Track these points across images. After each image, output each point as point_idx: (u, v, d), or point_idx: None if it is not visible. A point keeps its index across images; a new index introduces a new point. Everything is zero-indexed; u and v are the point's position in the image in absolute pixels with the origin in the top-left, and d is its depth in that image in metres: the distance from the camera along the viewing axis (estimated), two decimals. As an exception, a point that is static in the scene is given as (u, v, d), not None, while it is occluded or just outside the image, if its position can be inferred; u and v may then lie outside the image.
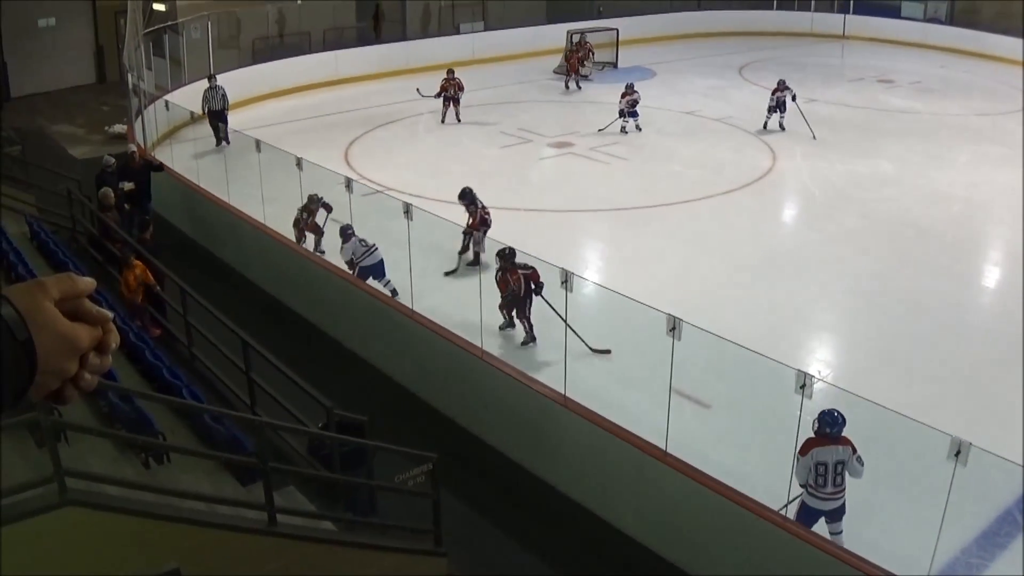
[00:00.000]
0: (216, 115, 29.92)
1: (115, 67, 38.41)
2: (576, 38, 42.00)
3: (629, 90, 31.63)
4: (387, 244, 19.15)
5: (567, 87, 39.73)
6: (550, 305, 16.29)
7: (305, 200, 21.02)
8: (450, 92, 32.98)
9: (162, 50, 33.65)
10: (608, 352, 16.93)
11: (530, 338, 17.37)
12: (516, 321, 17.53)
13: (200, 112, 29.81)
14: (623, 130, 31.60)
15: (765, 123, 32.28)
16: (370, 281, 19.09)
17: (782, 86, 31.87)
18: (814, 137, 31.04)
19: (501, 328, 17.70)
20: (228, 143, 29.09)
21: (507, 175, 27.78)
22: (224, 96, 30.05)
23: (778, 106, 31.95)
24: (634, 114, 31.67)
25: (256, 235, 21.99)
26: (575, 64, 39.84)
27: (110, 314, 2.33)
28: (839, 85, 40.31)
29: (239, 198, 23.20)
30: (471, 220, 20.69)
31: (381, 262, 19.36)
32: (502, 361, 16.01)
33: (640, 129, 31.63)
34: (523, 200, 25.42)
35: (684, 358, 13.24)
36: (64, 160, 29.75)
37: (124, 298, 17.38)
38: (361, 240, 19.24)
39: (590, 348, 16.71)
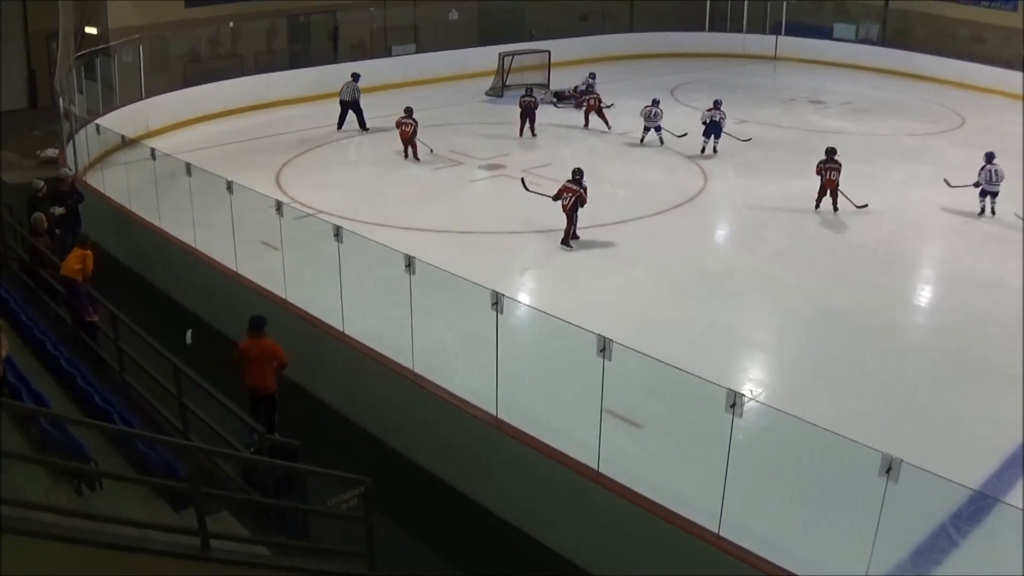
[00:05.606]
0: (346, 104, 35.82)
1: (47, 91, 38.07)
2: (508, 61, 42.21)
3: (716, 106, 33.32)
4: (318, 267, 19.16)
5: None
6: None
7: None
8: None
9: (94, 74, 33.39)
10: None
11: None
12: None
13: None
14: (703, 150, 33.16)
15: (703, 147, 32.86)
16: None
17: (717, 106, 32.85)
18: (748, 139, 33.73)
19: None
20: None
21: (439, 198, 27.86)
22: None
23: (711, 128, 32.73)
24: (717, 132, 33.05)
25: (188, 259, 21.96)
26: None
27: None
28: (771, 106, 40.76)
29: (170, 223, 23.15)
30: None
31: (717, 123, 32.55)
32: (434, 383, 16.08)
33: (716, 152, 33.00)
34: (455, 222, 25.53)
35: (616, 378, 13.36)
36: (-6, 185, 29.56)
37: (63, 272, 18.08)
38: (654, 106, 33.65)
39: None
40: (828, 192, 26.64)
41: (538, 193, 25.16)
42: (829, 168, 26.55)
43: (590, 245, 24.18)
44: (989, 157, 26.82)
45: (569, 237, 23.95)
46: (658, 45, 51.53)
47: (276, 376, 15.91)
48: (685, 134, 33.82)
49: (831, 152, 26.80)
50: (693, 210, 27.18)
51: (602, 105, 36.91)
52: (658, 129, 34.13)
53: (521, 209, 26.49)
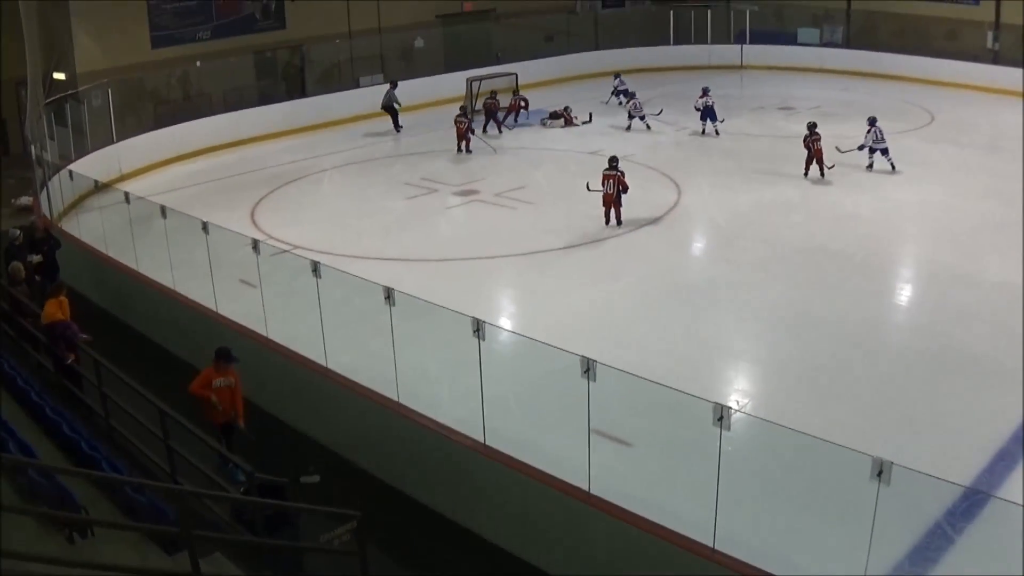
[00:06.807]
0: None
1: (19, 139, 37.94)
2: (476, 85, 42.37)
3: (704, 93, 38.27)
4: (298, 303, 19.13)
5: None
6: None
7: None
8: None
9: (64, 119, 33.32)
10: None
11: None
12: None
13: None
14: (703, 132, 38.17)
15: (703, 130, 37.97)
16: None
17: (705, 92, 38.09)
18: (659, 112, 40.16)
19: None
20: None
21: (415, 226, 27.88)
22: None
23: (706, 112, 37.65)
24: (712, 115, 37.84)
25: (167, 301, 21.91)
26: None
27: None
28: (740, 115, 40.73)
29: (148, 265, 23.06)
30: None
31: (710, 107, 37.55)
32: (420, 414, 16.01)
33: (718, 134, 37.65)
34: (432, 250, 25.57)
35: (601, 397, 13.35)
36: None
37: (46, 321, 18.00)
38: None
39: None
40: (815, 160, 30.81)
41: (596, 190, 26.90)
42: (814, 140, 30.90)
43: (570, 263, 24.27)
44: (872, 121, 31.78)
45: (619, 218, 26.81)
46: (624, 61, 51.26)
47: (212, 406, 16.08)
48: (660, 111, 40.45)
49: (812, 126, 31.23)
50: (670, 223, 27.25)
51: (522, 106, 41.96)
52: (643, 118, 39.20)
53: (497, 233, 26.54)
